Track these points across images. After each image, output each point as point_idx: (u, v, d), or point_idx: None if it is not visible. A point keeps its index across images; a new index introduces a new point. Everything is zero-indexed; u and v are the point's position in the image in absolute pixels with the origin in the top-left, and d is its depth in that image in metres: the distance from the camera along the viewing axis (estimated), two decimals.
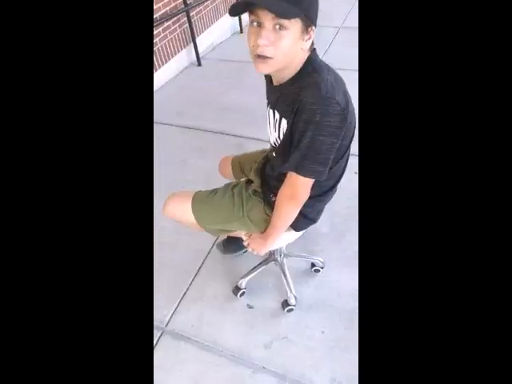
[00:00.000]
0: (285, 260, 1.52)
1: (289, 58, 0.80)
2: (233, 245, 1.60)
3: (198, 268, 1.66)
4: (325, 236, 1.76)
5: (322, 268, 1.60)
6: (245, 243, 1.16)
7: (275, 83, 0.92)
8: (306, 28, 0.77)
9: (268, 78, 0.98)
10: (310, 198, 0.96)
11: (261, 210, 1.10)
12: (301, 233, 1.19)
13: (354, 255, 1.64)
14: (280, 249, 1.49)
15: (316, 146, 0.81)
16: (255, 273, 1.52)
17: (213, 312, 1.49)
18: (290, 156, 0.86)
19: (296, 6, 0.72)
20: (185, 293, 1.57)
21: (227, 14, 4.05)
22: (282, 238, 1.12)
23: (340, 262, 1.63)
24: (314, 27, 0.79)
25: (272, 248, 1.16)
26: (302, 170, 0.86)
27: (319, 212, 1.15)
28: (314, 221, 1.15)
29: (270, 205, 1.07)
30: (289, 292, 1.46)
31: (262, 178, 1.15)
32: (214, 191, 1.19)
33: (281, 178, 0.96)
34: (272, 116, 0.96)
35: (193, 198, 1.17)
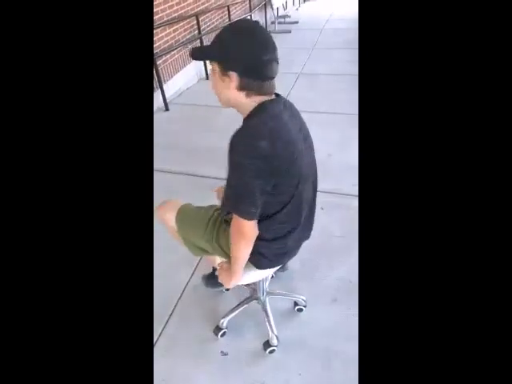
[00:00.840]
0: (267, 299, 1.50)
1: (224, 97, 0.93)
2: (215, 279, 1.50)
3: (169, 313, 1.58)
4: (297, 272, 1.76)
5: (305, 307, 1.57)
6: (216, 272, 1.18)
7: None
8: (225, 71, 0.87)
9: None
10: (263, 239, 1.00)
11: (228, 239, 1.08)
12: (268, 271, 1.19)
13: (325, 291, 1.64)
14: (262, 286, 1.46)
15: (245, 187, 0.86)
16: (236, 312, 1.47)
17: (185, 362, 1.40)
18: (228, 195, 0.93)
19: (214, 52, 0.88)
20: (155, 342, 1.47)
21: (193, 62, 4.25)
22: (248, 274, 1.13)
23: (313, 300, 1.61)
24: (235, 73, 0.86)
25: (240, 283, 1.15)
26: (238, 211, 0.90)
27: (282, 255, 1.13)
28: (277, 263, 1.15)
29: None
30: (270, 332, 1.41)
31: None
32: (200, 208, 1.25)
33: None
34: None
35: (179, 208, 1.23)
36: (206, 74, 4.43)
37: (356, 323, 1.42)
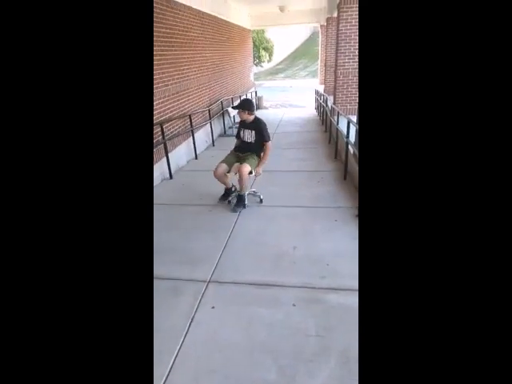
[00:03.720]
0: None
1: (247, 119, 3.33)
2: (225, 196, 3.60)
3: None
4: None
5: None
6: (254, 171, 3.32)
7: (247, 123, 3.36)
8: (250, 112, 3.32)
9: (242, 122, 3.41)
10: None
11: (255, 160, 3.40)
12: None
13: None
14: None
15: (267, 131, 3.37)
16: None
17: None
18: (263, 137, 3.31)
19: (245, 107, 3.31)
20: None
21: (157, 165, 4.40)
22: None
23: None
24: (252, 111, 3.34)
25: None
26: (269, 139, 3.36)
27: None
28: None
29: (259, 157, 3.43)
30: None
31: (243, 156, 3.44)
32: (251, 158, 3.40)
33: (250, 148, 3.40)
34: (248, 130, 3.34)
35: (245, 166, 3.27)
36: (170, 174, 4.57)
37: None
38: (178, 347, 1.76)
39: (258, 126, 3.27)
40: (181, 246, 2.76)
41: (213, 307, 2.05)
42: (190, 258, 2.58)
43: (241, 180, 3.25)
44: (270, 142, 3.32)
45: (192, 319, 1.96)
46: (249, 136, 3.33)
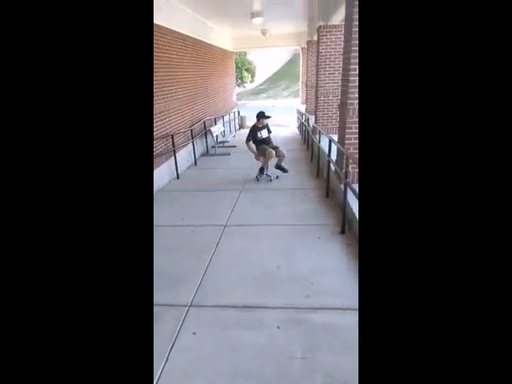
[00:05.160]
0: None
1: (262, 122, 5.21)
2: (261, 172, 5.25)
3: None
4: None
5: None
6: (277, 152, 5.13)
7: (260, 126, 5.18)
8: (263, 118, 5.18)
9: (257, 127, 5.18)
10: None
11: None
12: None
13: None
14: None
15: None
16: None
17: None
18: (269, 131, 5.32)
19: (263, 116, 5.15)
20: None
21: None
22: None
23: None
24: (265, 119, 5.22)
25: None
26: (271, 132, 5.40)
27: None
28: None
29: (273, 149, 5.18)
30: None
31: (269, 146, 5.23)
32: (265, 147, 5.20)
33: (268, 140, 5.27)
34: (265, 130, 5.19)
35: (270, 152, 5.06)
36: (177, 173, 4.50)
37: None
38: (158, 374, 1.68)
39: (265, 126, 5.20)
40: (164, 268, 2.69)
41: (194, 333, 1.98)
42: (172, 280, 2.51)
43: (280, 157, 5.19)
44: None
45: (172, 345, 1.88)
46: (264, 133, 5.16)
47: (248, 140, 5.14)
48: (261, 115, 5.14)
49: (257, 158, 5.19)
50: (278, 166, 5.24)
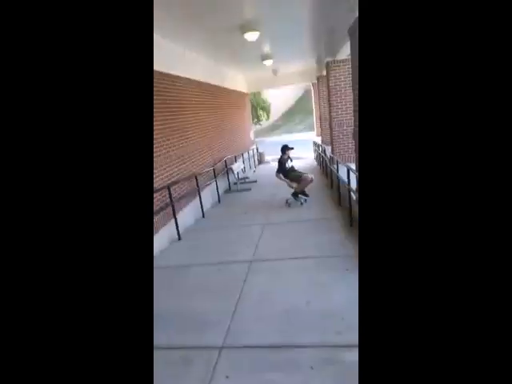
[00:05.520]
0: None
1: (289, 153, 5.91)
2: (296, 196, 5.72)
3: None
4: None
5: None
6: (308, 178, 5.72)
7: (287, 157, 5.86)
8: (288, 149, 5.85)
9: (284, 157, 5.85)
10: None
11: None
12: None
13: None
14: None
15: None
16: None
17: None
18: (292, 161, 6.05)
19: (291, 148, 5.90)
20: None
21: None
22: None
23: None
24: (289, 150, 5.87)
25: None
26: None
27: None
28: None
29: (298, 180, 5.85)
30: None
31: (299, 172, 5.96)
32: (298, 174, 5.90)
33: (294, 168, 6.00)
34: (289, 160, 5.86)
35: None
36: (178, 235, 4.61)
37: None
38: None
39: (289, 157, 5.84)
40: (188, 308, 2.68)
41: (227, 376, 1.94)
42: (199, 322, 2.50)
43: (305, 183, 5.67)
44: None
45: None
46: (290, 163, 5.80)
47: (278, 172, 5.76)
48: (286, 148, 5.78)
49: (289, 185, 5.71)
50: (302, 192, 5.80)
